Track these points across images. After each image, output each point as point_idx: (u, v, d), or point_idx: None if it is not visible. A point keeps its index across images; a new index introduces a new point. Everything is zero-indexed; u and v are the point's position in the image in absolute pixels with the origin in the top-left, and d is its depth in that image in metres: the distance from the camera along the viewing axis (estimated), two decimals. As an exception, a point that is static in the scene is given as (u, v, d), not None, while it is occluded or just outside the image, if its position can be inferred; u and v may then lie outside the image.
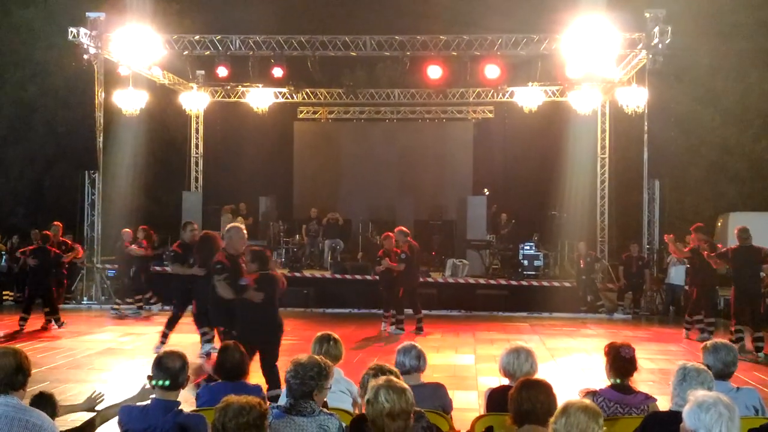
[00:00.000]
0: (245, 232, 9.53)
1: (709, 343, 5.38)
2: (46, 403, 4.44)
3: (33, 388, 4.46)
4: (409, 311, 14.71)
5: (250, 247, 9.16)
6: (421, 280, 18.32)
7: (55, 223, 15.97)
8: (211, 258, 11.58)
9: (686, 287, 15.92)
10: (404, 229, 15.03)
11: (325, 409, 4.47)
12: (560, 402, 3.83)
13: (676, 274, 16.94)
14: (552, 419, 3.67)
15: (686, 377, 4.69)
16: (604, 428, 3.67)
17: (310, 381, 4.44)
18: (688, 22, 19.91)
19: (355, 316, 17.11)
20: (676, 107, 22.35)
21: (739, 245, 12.50)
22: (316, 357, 4.60)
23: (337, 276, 18.71)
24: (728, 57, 24.00)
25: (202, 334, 11.35)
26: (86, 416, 4.92)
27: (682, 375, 4.70)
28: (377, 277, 15.25)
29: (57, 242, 15.31)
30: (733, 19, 23.45)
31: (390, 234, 14.80)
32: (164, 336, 12.14)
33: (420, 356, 5.56)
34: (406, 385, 3.94)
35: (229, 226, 9.44)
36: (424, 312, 14.92)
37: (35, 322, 14.36)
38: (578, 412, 3.59)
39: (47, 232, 14.96)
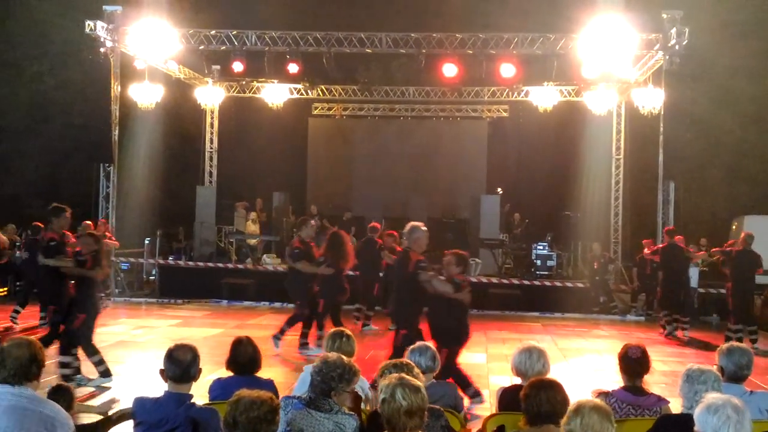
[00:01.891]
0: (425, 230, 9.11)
1: (724, 345, 5.37)
2: (62, 395, 4.46)
3: (46, 380, 4.48)
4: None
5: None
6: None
7: (85, 222, 15.36)
8: (341, 257, 11.67)
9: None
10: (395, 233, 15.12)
11: (345, 408, 4.49)
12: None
13: (691, 275, 16.85)
14: (564, 420, 3.66)
15: (689, 378, 4.74)
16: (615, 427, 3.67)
17: (330, 381, 4.47)
18: (705, 23, 19.80)
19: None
20: (693, 109, 22.27)
21: (743, 249, 13.53)
22: (345, 360, 4.61)
23: (349, 273, 18.67)
24: (746, 58, 23.84)
25: (319, 337, 11.24)
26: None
27: (686, 377, 4.76)
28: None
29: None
30: (750, 20, 23.31)
31: (394, 232, 15.01)
32: (281, 332, 11.66)
33: (435, 357, 5.58)
34: (420, 383, 3.95)
35: (412, 225, 9.10)
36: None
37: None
38: (592, 412, 3.60)
39: (38, 224, 14.12)
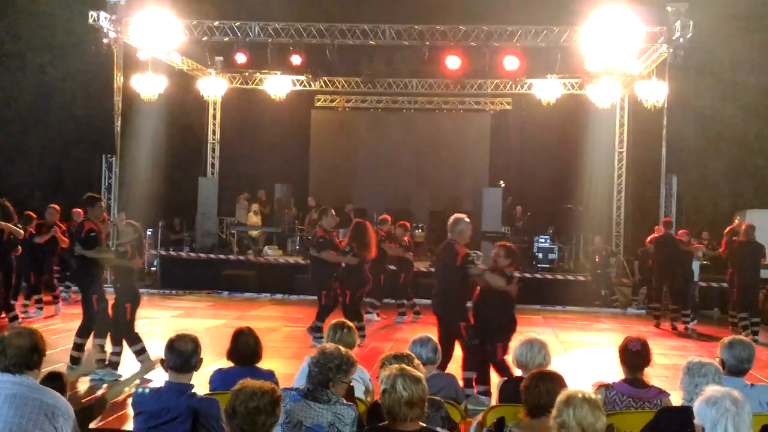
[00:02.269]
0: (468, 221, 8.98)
1: (726, 338, 5.37)
2: (56, 382, 4.46)
3: (47, 369, 4.48)
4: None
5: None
6: (433, 269, 18.49)
7: (51, 206, 14.69)
8: (365, 247, 11.64)
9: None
10: (407, 224, 15.24)
11: (343, 399, 4.50)
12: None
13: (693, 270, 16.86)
14: (554, 413, 3.66)
15: (689, 371, 4.77)
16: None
17: (327, 372, 4.49)
18: (710, 15, 19.71)
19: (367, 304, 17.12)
20: (696, 102, 22.19)
21: (746, 239, 13.93)
22: (342, 350, 4.63)
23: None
24: (750, 52, 23.75)
25: (359, 329, 11.14)
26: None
27: (686, 369, 4.79)
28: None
29: (50, 226, 14.00)
30: (755, 13, 23.20)
31: (405, 223, 15.34)
32: (317, 330, 11.48)
33: (436, 349, 5.60)
34: (420, 374, 3.96)
35: (456, 217, 8.96)
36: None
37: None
38: (582, 403, 3.61)
39: (30, 213, 14.07)
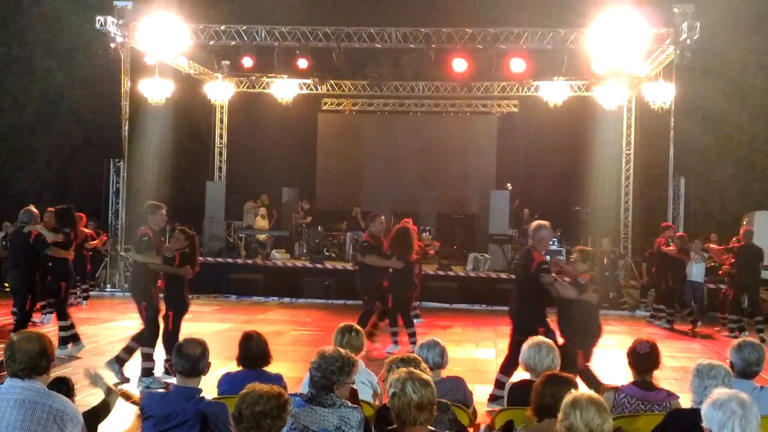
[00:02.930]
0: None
1: (735, 341, 5.35)
2: (62, 387, 4.47)
3: (55, 374, 4.49)
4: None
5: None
6: (442, 273, 18.48)
7: (50, 209, 15.03)
8: (408, 251, 11.54)
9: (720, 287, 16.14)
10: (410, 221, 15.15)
11: (348, 402, 4.49)
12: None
13: (697, 272, 16.77)
14: (561, 416, 3.66)
15: (699, 373, 4.73)
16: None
17: (331, 375, 4.47)
18: (716, 17, 19.68)
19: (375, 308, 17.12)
20: (703, 103, 22.15)
21: (746, 243, 14.32)
22: (342, 351, 4.61)
23: (358, 268, 18.69)
24: (757, 53, 23.70)
25: (393, 334, 11.21)
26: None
27: (696, 371, 4.75)
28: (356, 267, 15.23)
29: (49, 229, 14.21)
30: (762, 15, 23.16)
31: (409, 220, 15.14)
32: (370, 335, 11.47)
33: (443, 353, 5.58)
34: (429, 377, 3.96)
35: (538, 224, 8.74)
36: (444, 305, 14.96)
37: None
38: (589, 405, 3.61)
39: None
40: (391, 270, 11.60)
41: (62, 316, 10.82)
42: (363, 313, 11.69)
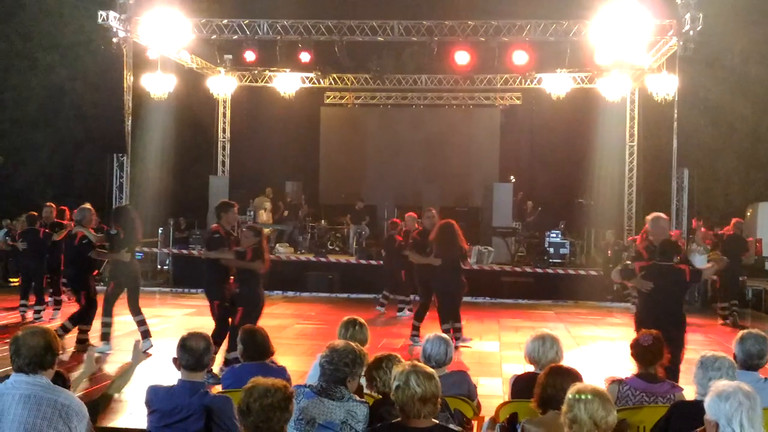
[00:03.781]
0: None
1: (740, 333, 5.35)
2: (58, 382, 4.48)
3: (59, 370, 4.49)
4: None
5: None
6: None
7: (48, 204, 14.82)
8: (452, 247, 11.43)
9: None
10: (414, 214, 15.12)
11: (356, 396, 4.51)
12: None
13: (699, 263, 16.73)
14: (565, 408, 3.67)
15: (703, 365, 4.74)
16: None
17: (344, 368, 4.49)
18: (720, 8, 19.62)
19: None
20: (707, 95, 22.08)
21: (734, 233, 15.13)
22: (353, 344, 4.63)
23: (362, 261, 18.75)
24: (760, 44, 23.65)
25: (451, 330, 11.14)
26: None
27: (700, 363, 4.76)
28: (360, 261, 16.08)
29: (50, 224, 13.95)
30: (765, 5, 23.08)
31: (397, 220, 15.67)
32: (416, 329, 11.58)
33: (448, 350, 5.55)
34: (432, 370, 3.97)
35: (655, 215, 8.73)
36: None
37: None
38: (594, 397, 3.61)
39: (34, 213, 14.13)
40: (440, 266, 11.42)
41: (105, 312, 10.83)
42: (418, 309, 11.81)
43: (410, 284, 13.87)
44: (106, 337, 10.73)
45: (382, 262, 16.10)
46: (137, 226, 10.95)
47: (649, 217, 8.91)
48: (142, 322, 10.83)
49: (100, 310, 10.93)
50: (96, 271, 11.78)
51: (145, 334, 10.70)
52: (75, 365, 9.50)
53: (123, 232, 10.67)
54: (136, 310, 10.86)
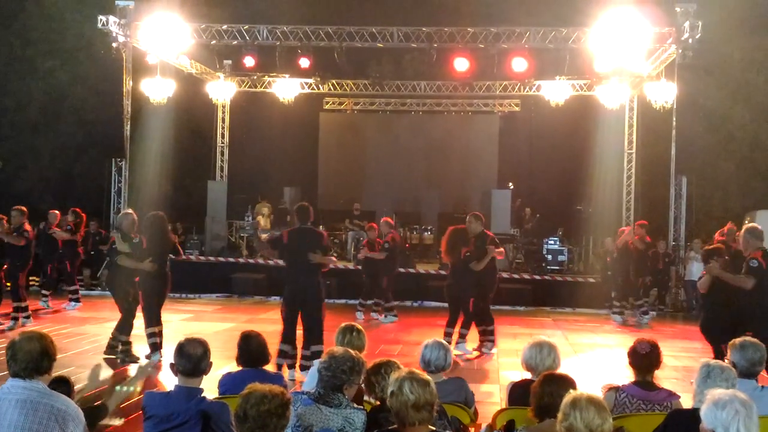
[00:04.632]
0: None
1: (737, 340, 5.33)
2: (62, 387, 4.47)
3: (57, 374, 4.49)
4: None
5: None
6: (443, 272, 18.44)
7: (52, 211, 15.80)
8: (454, 253, 11.47)
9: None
10: (389, 220, 15.38)
11: (353, 403, 4.50)
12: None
13: (697, 271, 16.74)
14: (560, 417, 3.65)
15: (710, 374, 4.67)
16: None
17: (341, 375, 4.48)
18: (718, 16, 19.66)
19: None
20: (706, 102, 22.12)
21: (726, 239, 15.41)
22: (351, 352, 4.63)
23: (360, 267, 18.70)
24: (759, 51, 23.67)
25: (483, 332, 11.30)
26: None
27: (705, 372, 4.69)
28: (358, 267, 16.15)
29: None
30: (764, 13, 23.12)
31: (374, 225, 15.67)
32: (462, 336, 11.56)
33: (447, 356, 5.54)
34: (428, 377, 3.95)
35: (749, 227, 8.96)
36: (446, 305, 14.92)
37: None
38: (589, 405, 3.60)
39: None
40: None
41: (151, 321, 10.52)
42: (465, 319, 11.65)
43: (390, 290, 14.80)
44: (155, 347, 10.37)
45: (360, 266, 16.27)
46: (165, 235, 10.72)
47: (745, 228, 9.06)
48: (153, 335, 10.38)
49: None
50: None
51: (154, 347, 10.32)
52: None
53: (146, 241, 10.45)
54: (149, 321, 10.43)
